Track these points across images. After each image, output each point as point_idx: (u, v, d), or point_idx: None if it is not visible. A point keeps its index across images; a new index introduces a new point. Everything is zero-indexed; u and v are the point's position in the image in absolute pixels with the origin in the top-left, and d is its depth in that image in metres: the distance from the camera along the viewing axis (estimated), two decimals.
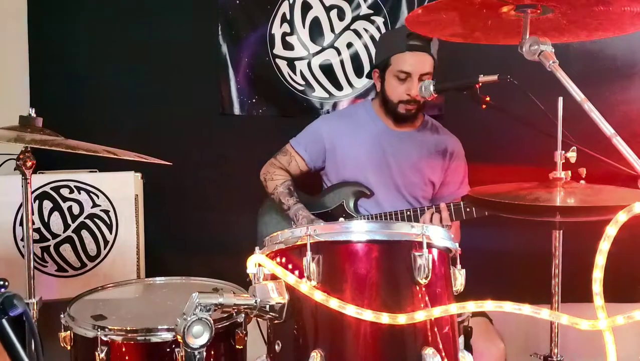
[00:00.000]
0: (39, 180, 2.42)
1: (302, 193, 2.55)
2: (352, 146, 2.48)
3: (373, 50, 2.85)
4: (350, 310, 1.22)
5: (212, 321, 1.24)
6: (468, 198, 1.67)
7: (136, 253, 2.50)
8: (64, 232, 2.46)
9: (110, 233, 2.49)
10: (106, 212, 2.48)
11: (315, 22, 2.88)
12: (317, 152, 2.52)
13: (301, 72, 2.90)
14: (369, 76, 2.62)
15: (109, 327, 1.63)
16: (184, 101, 2.85)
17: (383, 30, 2.88)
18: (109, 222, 2.48)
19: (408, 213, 2.36)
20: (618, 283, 1.69)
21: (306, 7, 2.86)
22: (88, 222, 2.47)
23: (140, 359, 1.67)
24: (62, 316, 1.73)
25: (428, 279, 1.30)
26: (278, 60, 2.89)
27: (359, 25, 2.88)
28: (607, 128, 1.26)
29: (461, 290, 1.41)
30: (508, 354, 2.23)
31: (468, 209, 2.28)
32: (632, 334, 1.91)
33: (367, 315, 1.22)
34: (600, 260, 1.15)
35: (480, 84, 1.94)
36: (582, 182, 1.58)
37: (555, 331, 1.68)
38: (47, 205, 2.45)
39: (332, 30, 2.88)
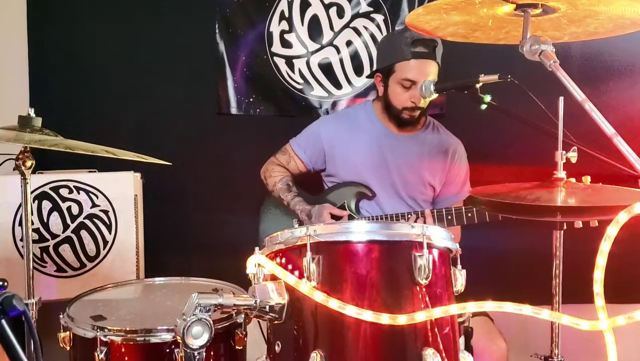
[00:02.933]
0: (38, 180, 2.42)
1: (303, 192, 2.55)
2: (351, 149, 2.47)
3: (373, 49, 2.85)
4: (350, 311, 1.22)
5: (211, 322, 1.24)
6: (469, 198, 1.67)
7: (135, 254, 2.49)
8: (63, 232, 2.46)
9: (110, 233, 2.48)
10: (105, 212, 2.48)
11: (314, 19, 2.87)
12: (317, 154, 2.52)
13: (300, 70, 2.89)
14: (370, 76, 2.60)
15: (109, 328, 1.63)
16: (182, 100, 2.85)
17: (383, 28, 2.87)
18: (108, 222, 2.48)
19: (392, 216, 2.38)
20: (619, 284, 1.68)
21: (305, 5, 2.85)
22: (87, 222, 2.47)
23: (140, 359, 1.67)
24: (61, 316, 1.73)
25: (428, 279, 1.29)
26: (276, 59, 2.88)
27: (359, 23, 2.88)
28: (608, 128, 1.26)
29: (462, 290, 1.41)
30: (509, 354, 2.23)
31: (449, 217, 2.29)
32: (633, 334, 1.91)
33: (367, 315, 1.22)
34: (601, 260, 1.15)
35: (481, 84, 1.94)
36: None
37: (556, 332, 1.67)
38: (47, 205, 2.44)
39: (332, 28, 2.87)
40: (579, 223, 2.04)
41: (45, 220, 2.44)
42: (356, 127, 2.49)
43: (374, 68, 2.56)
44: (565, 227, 1.99)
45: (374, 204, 2.47)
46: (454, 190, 2.52)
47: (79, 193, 2.46)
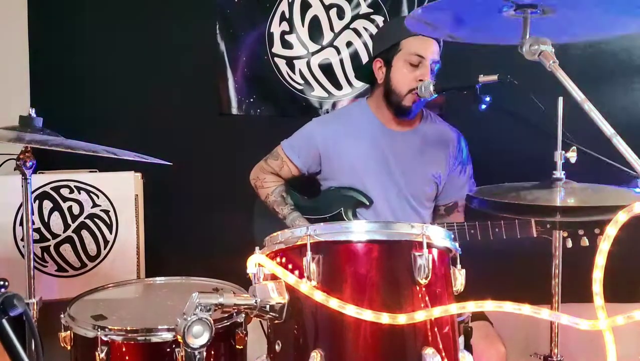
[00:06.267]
0: (39, 180, 2.43)
1: (298, 195, 2.50)
2: (349, 150, 2.37)
3: None
4: (350, 310, 1.22)
5: (212, 321, 1.24)
6: (467, 198, 1.67)
7: (136, 253, 2.50)
8: (64, 232, 2.46)
9: (110, 233, 2.49)
10: (106, 211, 2.48)
11: (315, 20, 2.87)
12: (312, 158, 2.41)
13: (300, 71, 2.89)
14: (360, 76, 2.50)
15: (109, 327, 1.64)
16: (183, 101, 2.86)
17: None
18: (109, 222, 2.49)
19: None
20: (618, 283, 1.69)
21: (305, 6, 2.86)
22: (88, 221, 2.47)
23: (141, 359, 1.68)
24: (62, 316, 1.73)
25: (428, 279, 1.29)
26: (277, 59, 2.88)
27: (359, 24, 2.88)
28: (607, 128, 1.26)
29: (461, 290, 1.40)
30: (508, 354, 2.23)
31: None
32: (632, 334, 1.92)
33: (367, 315, 1.22)
34: (600, 260, 1.15)
35: (480, 84, 1.94)
36: None
37: (556, 332, 1.68)
38: (47, 205, 2.45)
39: (332, 29, 2.88)
40: (585, 242, 2.06)
41: (46, 220, 2.45)
42: (352, 127, 2.40)
43: (372, 55, 2.46)
44: (571, 245, 2.02)
45: (372, 212, 2.38)
46: (457, 183, 2.45)
47: (79, 193, 2.46)
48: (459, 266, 1.41)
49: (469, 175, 2.49)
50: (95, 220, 2.48)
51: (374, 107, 2.42)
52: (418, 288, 1.30)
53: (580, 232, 2.08)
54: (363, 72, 2.50)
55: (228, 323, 1.71)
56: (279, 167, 2.46)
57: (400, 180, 2.39)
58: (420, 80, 2.22)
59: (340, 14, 2.88)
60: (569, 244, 2.06)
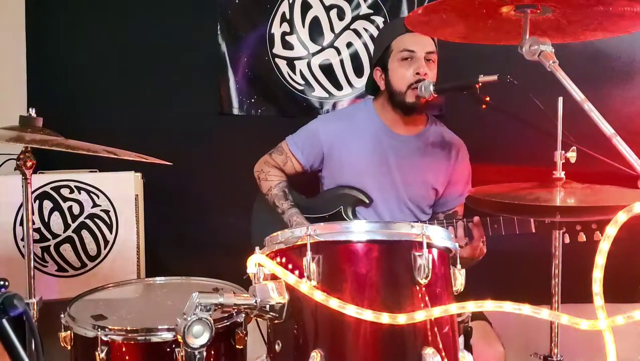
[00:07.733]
0: (39, 180, 2.43)
1: (297, 195, 2.51)
2: (351, 150, 2.39)
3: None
4: (350, 310, 1.22)
5: (212, 321, 1.24)
6: (468, 198, 1.67)
7: (136, 253, 2.50)
8: (64, 231, 2.47)
9: (111, 233, 2.49)
10: (106, 211, 2.48)
11: (315, 21, 2.87)
12: (315, 155, 2.44)
13: (301, 71, 2.89)
14: (368, 88, 2.53)
15: (109, 327, 1.64)
16: (184, 101, 2.86)
17: None
18: (109, 222, 2.49)
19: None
20: (618, 283, 1.69)
21: (306, 7, 2.86)
22: (88, 221, 2.47)
23: (141, 359, 1.68)
24: (62, 316, 1.73)
25: (428, 279, 1.29)
26: (277, 60, 2.89)
27: (359, 25, 2.88)
28: (607, 128, 1.26)
29: (461, 290, 1.40)
30: (508, 354, 2.22)
31: (496, 225, 2.22)
32: (632, 334, 1.92)
33: (367, 314, 1.22)
34: (600, 260, 1.15)
35: (480, 84, 1.94)
36: None
37: (555, 331, 1.68)
38: (47, 205, 2.45)
39: (332, 29, 2.88)
40: (582, 237, 2.05)
41: (46, 220, 2.45)
42: (357, 127, 2.42)
43: (372, 66, 2.51)
44: (568, 240, 2.01)
45: (372, 211, 2.40)
46: (456, 192, 2.46)
47: (80, 193, 2.47)
48: (458, 266, 1.41)
49: (467, 182, 2.50)
50: (96, 220, 2.48)
51: (379, 109, 2.44)
52: (418, 288, 1.30)
53: (578, 227, 2.08)
54: (369, 84, 2.52)
55: (228, 323, 1.71)
56: (282, 162, 2.49)
57: (399, 184, 2.40)
58: (417, 74, 2.24)
59: (341, 15, 2.88)
60: (567, 240, 2.06)
